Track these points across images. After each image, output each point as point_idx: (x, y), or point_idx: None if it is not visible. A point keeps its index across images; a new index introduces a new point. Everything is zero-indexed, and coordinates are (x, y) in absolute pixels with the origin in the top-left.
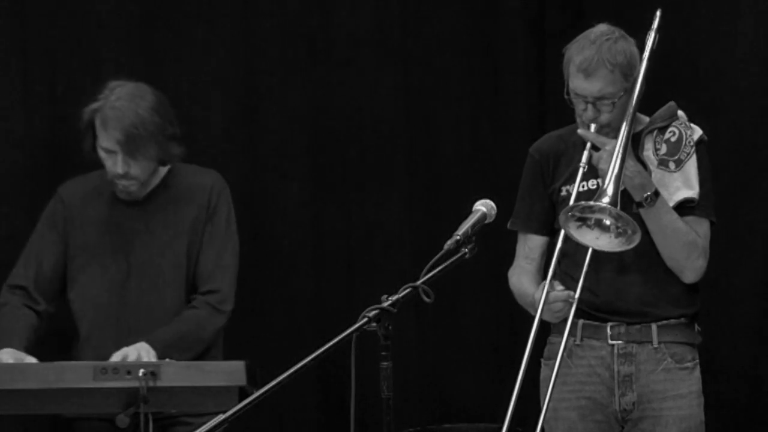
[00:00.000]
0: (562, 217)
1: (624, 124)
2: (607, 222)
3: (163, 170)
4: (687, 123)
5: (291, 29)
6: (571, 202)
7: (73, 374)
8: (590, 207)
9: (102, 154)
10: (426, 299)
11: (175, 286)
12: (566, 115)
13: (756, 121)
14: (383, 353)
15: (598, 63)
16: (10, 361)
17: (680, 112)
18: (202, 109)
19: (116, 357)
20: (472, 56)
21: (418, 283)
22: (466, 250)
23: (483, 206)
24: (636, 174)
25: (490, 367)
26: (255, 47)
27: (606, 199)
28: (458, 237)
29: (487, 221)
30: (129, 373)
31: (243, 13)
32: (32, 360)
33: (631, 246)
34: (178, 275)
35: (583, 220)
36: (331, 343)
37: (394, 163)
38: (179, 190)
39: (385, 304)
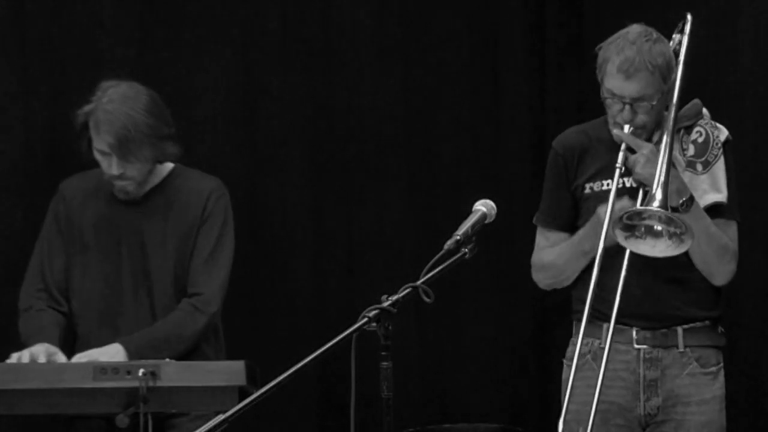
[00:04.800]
0: (611, 230)
1: (666, 129)
2: (659, 227)
3: (164, 170)
4: (712, 122)
5: (291, 29)
6: (610, 200)
7: (73, 374)
8: (639, 213)
9: (97, 155)
10: (426, 299)
11: (165, 289)
12: (566, 115)
13: (756, 121)
14: (383, 353)
15: (639, 64)
16: (43, 359)
17: (704, 110)
18: (202, 109)
19: (80, 358)
20: (472, 56)
21: (418, 283)
22: (466, 250)
23: (483, 206)
24: (673, 179)
25: (490, 367)
26: (255, 47)
27: (656, 204)
28: (458, 237)
29: (487, 221)
30: (129, 373)
31: (243, 13)
32: (63, 358)
33: (684, 249)
34: (168, 278)
35: (630, 229)
36: (331, 343)
37: (394, 163)
38: (177, 194)
39: (385, 304)
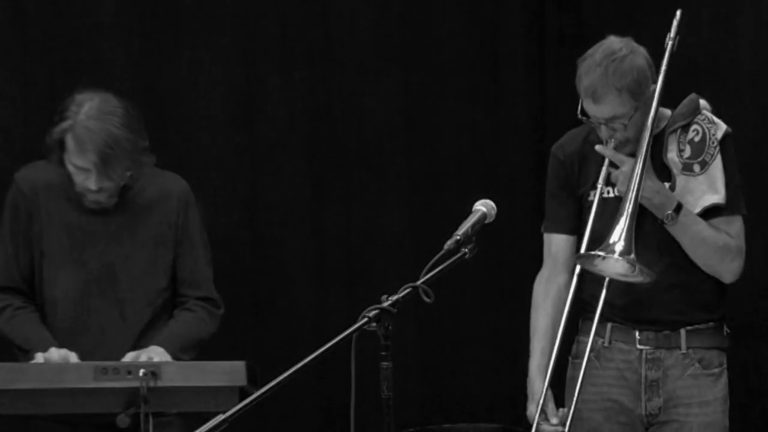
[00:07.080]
0: (578, 259)
1: (639, 151)
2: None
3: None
4: (710, 117)
5: (291, 29)
6: (593, 209)
7: (73, 374)
8: (602, 257)
9: (72, 169)
10: (426, 299)
11: (136, 294)
12: (566, 115)
13: (756, 120)
14: (383, 353)
15: (604, 88)
16: (74, 359)
17: (702, 102)
18: (201, 109)
19: (128, 359)
20: (472, 56)
21: (418, 283)
22: (466, 250)
23: (483, 206)
24: (654, 194)
25: (490, 367)
26: (255, 47)
27: (618, 248)
28: (458, 237)
29: (487, 221)
30: (129, 373)
31: (243, 13)
32: (75, 358)
33: (636, 281)
34: (139, 283)
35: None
36: (331, 343)
37: (394, 163)
38: (143, 197)
39: (385, 304)
